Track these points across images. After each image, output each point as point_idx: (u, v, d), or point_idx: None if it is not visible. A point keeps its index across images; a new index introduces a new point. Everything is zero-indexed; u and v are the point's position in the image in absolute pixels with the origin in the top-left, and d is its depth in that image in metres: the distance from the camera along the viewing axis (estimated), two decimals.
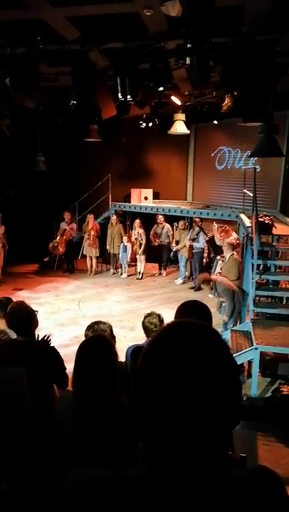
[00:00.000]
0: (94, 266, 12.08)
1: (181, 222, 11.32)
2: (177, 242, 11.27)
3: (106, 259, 12.31)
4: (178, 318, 2.33)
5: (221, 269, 9.85)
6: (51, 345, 3.36)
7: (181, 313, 2.38)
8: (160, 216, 11.54)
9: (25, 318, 3.28)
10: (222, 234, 8.91)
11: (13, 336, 3.36)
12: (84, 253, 12.05)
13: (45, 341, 3.36)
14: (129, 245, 11.50)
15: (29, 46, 5.24)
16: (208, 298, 8.96)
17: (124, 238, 11.54)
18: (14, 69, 5.43)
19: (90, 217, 11.89)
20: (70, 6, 4.57)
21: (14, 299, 4.34)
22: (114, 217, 11.85)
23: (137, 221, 11.54)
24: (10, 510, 1.77)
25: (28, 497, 1.99)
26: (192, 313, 2.39)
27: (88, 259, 12.06)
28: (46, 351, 3.24)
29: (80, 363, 2.07)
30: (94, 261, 12.07)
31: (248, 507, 0.84)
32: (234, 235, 9.17)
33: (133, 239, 11.48)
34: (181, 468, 0.79)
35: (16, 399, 2.36)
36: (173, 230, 11.50)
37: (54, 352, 3.26)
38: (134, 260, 11.75)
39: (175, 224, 11.53)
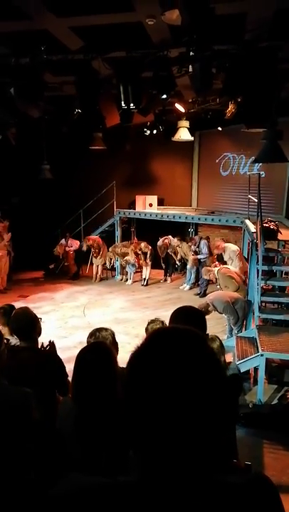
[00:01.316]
0: (99, 273, 12.19)
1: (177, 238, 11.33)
2: (181, 258, 11.39)
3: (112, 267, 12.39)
4: (171, 323, 2.36)
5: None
6: (54, 352, 3.39)
7: (175, 319, 2.37)
8: (168, 237, 11.48)
9: (28, 323, 3.29)
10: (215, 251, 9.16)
11: (17, 342, 3.37)
12: (92, 262, 12.25)
13: (48, 348, 3.38)
14: (133, 257, 11.46)
15: (33, 56, 5.29)
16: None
17: (130, 258, 11.48)
18: (19, 79, 5.48)
19: (92, 238, 11.94)
20: (74, 16, 4.63)
21: (19, 307, 4.30)
22: (120, 245, 11.91)
23: (143, 243, 11.46)
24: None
25: (30, 499, 2.01)
26: (186, 318, 2.37)
27: (94, 267, 12.19)
28: (49, 358, 3.26)
29: (78, 370, 2.09)
30: (100, 268, 12.18)
31: None
32: (225, 245, 9.27)
33: (139, 250, 11.43)
34: (170, 474, 0.79)
35: (22, 417, 2.34)
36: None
37: (56, 359, 3.26)
38: (139, 267, 11.78)
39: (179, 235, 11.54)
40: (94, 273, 12.19)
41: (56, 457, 2.10)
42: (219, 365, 0.87)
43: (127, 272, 11.97)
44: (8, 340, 3.74)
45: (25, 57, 5.38)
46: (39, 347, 3.39)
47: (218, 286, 8.19)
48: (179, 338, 0.86)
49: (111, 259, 12.03)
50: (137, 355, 0.86)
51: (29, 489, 2.04)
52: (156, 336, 0.88)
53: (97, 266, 12.12)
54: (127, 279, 11.99)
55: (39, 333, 3.39)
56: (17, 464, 2.22)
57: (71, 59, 5.62)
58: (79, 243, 12.03)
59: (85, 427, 1.99)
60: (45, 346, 3.44)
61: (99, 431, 1.94)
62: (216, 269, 8.14)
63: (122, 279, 12.17)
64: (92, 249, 11.89)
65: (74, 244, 12.01)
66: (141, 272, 11.77)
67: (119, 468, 1.81)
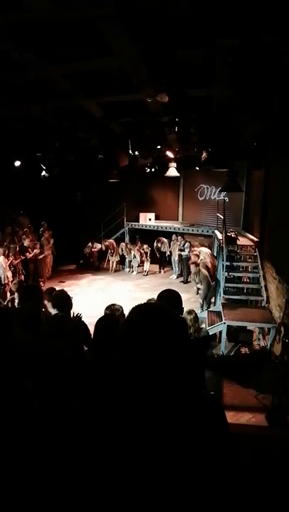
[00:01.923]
0: (114, 266, 12.13)
1: (173, 237, 11.25)
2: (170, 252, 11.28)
3: (122, 261, 12.36)
4: (158, 300, 2.28)
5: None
6: (81, 319, 3.33)
7: (159, 297, 2.28)
8: (161, 238, 11.48)
9: (64, 300, 3.27)
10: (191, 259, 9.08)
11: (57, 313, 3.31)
12: (108, 259, 12.19)
13: (77, 317, 3.32)
14: (138, 254, 11.49)
15: (71, 121, 5.37)
16: (192, 288, 9.12)
17: (134, 250, 11.46)
18: (61, 136, 5.61)
19: (108, 242, 11.86)
20: (98, 96, 4.71)
21: (58, 288, 4.27)
22: (124, 244, 11.81)
23: (143, 246, 11.44)
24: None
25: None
26: (166, 297, 2.26)
27: (110, 262, 12.11)
28: (77, 323, 3.23)
29: (97, 331, 2.07)
30: (114, 263, 12.13)
31: (194, 422, 0.80)
32: (200, 249, 9.28)
33: (141, 252, 11.42)
34: (145, 394, 0.74)
35: (58, 360, 2.19)
36: (169, 243, 11.39)
37: (82, 324, 3.25)
38: (142, 262, 11.76)
39: (169, 238, 11.46)
40: (110, 266, 12.13)
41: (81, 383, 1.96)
42: (181, 328, 0.83)
43: (132, 266, 11.95)
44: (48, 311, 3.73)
45: (66, 121, 5.45)
46: (71, 316, 3.32)
47: (196, 281, 8.08)
48: (154, 310, 0.85)
49: (122, 254, 11.87)
50: (126, 320, 0.84)
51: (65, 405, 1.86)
52: (134, 310, 0.84)
53: (113, 262, 12.07)
54: (132, 271, 11.95)
55: (71, 307, 3.35)
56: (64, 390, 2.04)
57: (96, 123, 5.68)
58: (100, 245, 12.12)
59: (98, 370, 1.91)
60: (75, 316, 3.37)
61: (109, 371, 1.80)
62: (198, 266, 8.02)
63: (129, 271, 12.13)
64: (109, 250, 11.88)
65: (97, 246, 12.07)
66: (143, 266, 11.76)
67: None
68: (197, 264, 8.09)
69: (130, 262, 12.01)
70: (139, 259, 11.56)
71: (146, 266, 11.62)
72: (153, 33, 2.74)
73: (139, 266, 11.88)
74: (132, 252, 11.56)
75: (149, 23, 2.70)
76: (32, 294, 2.91)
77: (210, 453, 0.79)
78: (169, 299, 2.24)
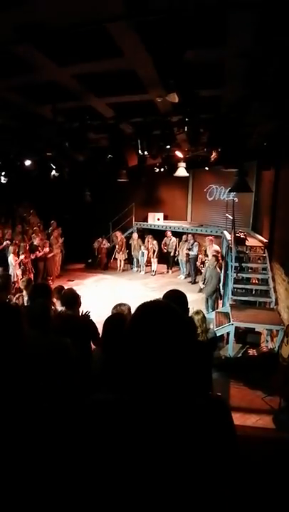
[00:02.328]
0: (122, 265, 12.17)
1: (184, 237, 11.21)
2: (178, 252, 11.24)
3: (130, 261, 12.42)
4: (163, 299, 2.20)
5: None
6: (88, 317, 3.38)
7: (165, 297, 2.29)
8: (169, 232, 11.57)
9: (72, 298, 3.31)
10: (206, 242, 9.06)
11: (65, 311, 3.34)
12: (115, 257, 12.21)
13: (85, 315, 3.37)
14: (146, 252, 11.57)
15: (81, 122, 5.37)
16: (198, 289, 9.07)
17: (142, 247, 11.58)
18: (71, 136, 5.60)
19: (119, 234, 12.00)
20: (109, 96, 4.71)
21: (67, 287, 4.39)
22: (136, 235, 11.95)
23: (150, 237, 11.57)
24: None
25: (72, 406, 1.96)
26: (172, 297, 2.29)
27: (118, 261, 12.15)
28: (85, 321, 3.28)
29: (106, 330, 2.10)
30: (122, 262, 12.16)
31: (200, 423, 0.80)
32: (215, 247, 9.26)
33: (149, 247, 11.47)
34: (150, 394, 0.75)
35: (63, 357, 2.17)
36: (177, 242, 11.43)
37: (90, 322, 3.29)
38: (149, 262, 11.77)
39: (179, 238, 11.46)
40: (118, 265, 12.16)
41: (88, 383, 2.08)
42: (185, 325, 0.82)
43: (140, 265, 11.98)
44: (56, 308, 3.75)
45: (76, 122, 5.46)
46: (79, 314, 3.37)
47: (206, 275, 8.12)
48: (160, 307, 0.85)
49: (131, 246, 11.90)
50: (134, 314, 0.85)
51: (71, 401, 2.01)
52: (141, 307, 0.85)
53: (120, 260, 12.08)
54: (140, 271, 11.98)
55: (79, 305, 3.39)
56: (67, 386, 2.03)
57: (106, 123, 5.68)
58: (108, 244, 12.18)
59: (109, 367, 1.98)
60: (83, 314, 3.41)
61: (117, 369, 1.86)
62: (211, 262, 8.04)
63: (137, 270, 12.17)
64: (117, 246, 11.90)
65: (106, 243, 12.20)
66: (150, 265, 11.80)
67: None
68: (217, 259, 8.03)
69: (138, 261, 12.03)
70: (146, 257, 11.56)
71: (154, 266, 11.65)
72: (163, 33, 2.74)
73: (146, 266, 11.91)
74: (141, 248, 11.55)
75: (159, 23, 2.70)
76: (41, 292, 2.95)
77: (215, 454, 0.78)
78: (175, 298, 2.25)
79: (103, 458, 0.78)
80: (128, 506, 0.72)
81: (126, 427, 0.78)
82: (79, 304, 3.36)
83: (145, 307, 0.84)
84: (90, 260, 12.55)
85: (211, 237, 9.70)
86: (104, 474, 0.76)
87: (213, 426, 0.82)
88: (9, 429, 1.26)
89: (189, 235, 10.83)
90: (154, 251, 11.42)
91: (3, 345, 1.39)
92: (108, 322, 2.15)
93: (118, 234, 12.03)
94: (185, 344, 0.77)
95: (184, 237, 11.16)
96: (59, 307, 3.65)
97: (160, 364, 0.74)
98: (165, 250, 11.53)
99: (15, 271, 8.51)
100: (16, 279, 8.37)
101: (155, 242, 11.41)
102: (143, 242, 11.72)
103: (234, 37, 2.85)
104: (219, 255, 8.50)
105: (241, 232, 7.97)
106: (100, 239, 12.20)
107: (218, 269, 7.94)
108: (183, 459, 0.74)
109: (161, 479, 0.72)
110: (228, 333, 6.16)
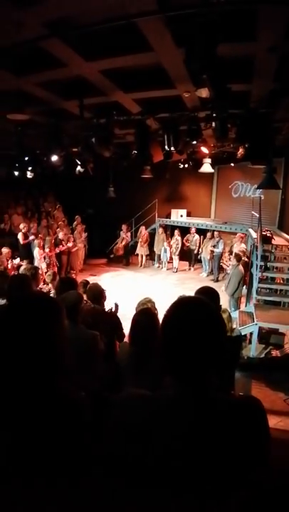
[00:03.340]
0: (143, 261, 12.16)
1: (208, 234, 11.10)
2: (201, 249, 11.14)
3: (152, 257, 12.41)
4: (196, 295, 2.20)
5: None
6: (115, 311, 3.39)
7: (197, 293, 2.33)
8: (193, 229, 11.47)
9: (98, 293, 3.37)
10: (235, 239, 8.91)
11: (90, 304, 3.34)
12: (137, 252, 12.22)
13: (111, 310, 3.40)
14: (168, 248, 11.55)
15: (108, 117, 5.42)
16: (220, 287, 8.93)
17: (165, 243, 11.57)
18: (98, 132, 5.64)
19: (143, 228, 12.10)
20: (135, 92, 4.76)
21: (91, 281, 4.39)
22: (161, 229, 11.92)
23: (177, 231, 11.51)
24: None
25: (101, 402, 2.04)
26: (205, 293, 2.33)
27: (140, 256, 12.14)
28: (111, 316, 3.31)
29: (134, 325, 2.12)
30: (144, 258, 12.14)
31: (234, 422, 0.81)
32: (242, 245, 9.09)
33: (172, 243, 11.41)
34: (192, 391, 0.78)
35: (93, 348, 2.34)
36: (201, 239, 11.32)
37: (115, 316, 3.33)
38: (171, 258, 11.72)
39: (203, 236, 11.33)
40: (139, 261, 12.18)
41: (116, 378, 2.12)
42: (217, 318, 0.86)
43: (162, 262, 11.95)
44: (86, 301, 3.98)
45: (103, 118, 5.52)
46: (107, 309, 3.39)
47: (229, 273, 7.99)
48: (196, 301, 0.89)
49: (154, 239, 11.91)
50: (170, 308, 0.88)
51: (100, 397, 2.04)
52: (179, 301, 0.88)
53: (142, 255, 12.07)
54: (162, 267, 11.93)
55: (105, 299, 3.45)
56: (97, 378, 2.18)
57: (132, 118, 5.72)
58: (130, 239, 12.25)
59: (138, 360, 2.02)
60: (113, 306, 3.40)
61: (147, 362, 1.96)
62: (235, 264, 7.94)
63: (158, 267, 12.14)
64: (141, 240, 11.92)
65: (129, 236, 12.22)
66: (172, 262, 11.76)
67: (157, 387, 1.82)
68: (240, 258, 7.92)
69: (160, 256, 12.01)
70: (169, 254, 11.52)
71: (176, 262, 11.58)
72: (195, 27, 2.72)
73: (168, 262, 11.88)
74: (164, 244, 11.52)
75: (190, 18, 2.68)
76: (68, 286, 3.00)
77: (248, 451, 0.82)
78: (208, 294, 2.26)
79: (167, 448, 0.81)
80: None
81: (182, 421, 0.79)
82: (104, 298, 3.43)
83: (184, 301, 0.87)
84: (112, 255, 12.63)
85: (241, 234, 9.51)
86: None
87: (244, 427, 0.83)
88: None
89: (215, 232, 10.71)
90: (176, 247, 11.37)
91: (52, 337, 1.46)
92: (139, 316, 2.17)
93: (142, 229, 12.08)
94: (221, 338, 0.81)
95: (209, 234, 11.03)
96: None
97: (199, 355, 0.77)
98: (186, 246, 11.44)
99: (40, 264, 8.77)
100: (40, 272, 8.61)
101: (179, 238, 11.34)
102: (171, 237, 11.65)
103: (265, 31, 2.79)
104: (244, 255, 8.34)
105: (267, 231, 7.76)
106: (122, 233, 12.15)
107: (241, 268, 7.81)
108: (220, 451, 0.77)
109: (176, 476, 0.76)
110: (251, 333, 6.06)
